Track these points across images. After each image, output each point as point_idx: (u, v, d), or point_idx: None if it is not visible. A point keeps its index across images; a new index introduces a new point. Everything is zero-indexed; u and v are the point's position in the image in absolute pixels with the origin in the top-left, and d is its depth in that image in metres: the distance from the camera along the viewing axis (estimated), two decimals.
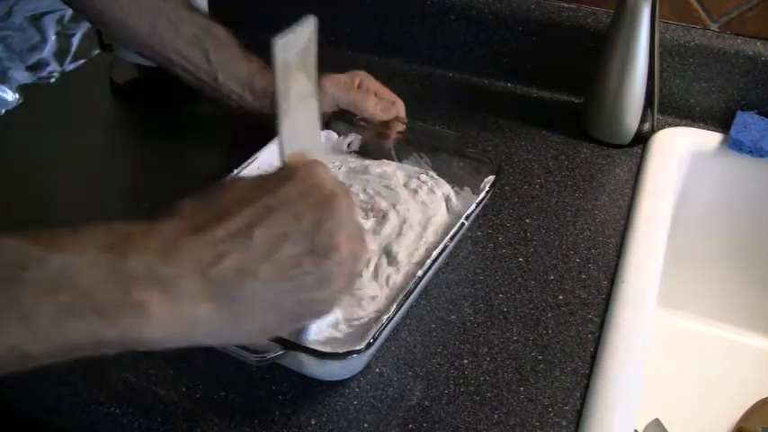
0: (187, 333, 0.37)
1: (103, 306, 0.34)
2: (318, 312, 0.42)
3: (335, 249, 0.39)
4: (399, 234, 0.61)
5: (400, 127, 0.70)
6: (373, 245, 0.60)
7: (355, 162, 0.70)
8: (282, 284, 0.38)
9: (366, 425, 0.50)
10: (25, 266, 0.33)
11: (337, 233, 0.39)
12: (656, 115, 0.78)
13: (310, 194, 0.39)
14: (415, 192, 0.65)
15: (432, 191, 0.65)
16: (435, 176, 0.67)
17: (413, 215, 0.62)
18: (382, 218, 0.62)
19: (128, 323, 0.35)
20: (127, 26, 0.67)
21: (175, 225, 0.37)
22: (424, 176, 0.67)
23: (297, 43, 0.41)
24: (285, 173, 0.40)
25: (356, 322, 0.54)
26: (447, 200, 0.65)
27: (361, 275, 0.54)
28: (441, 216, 0.63)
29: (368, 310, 0.54)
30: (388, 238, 0.60)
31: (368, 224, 0.62)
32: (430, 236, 0.61)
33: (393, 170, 0.68)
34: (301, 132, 0.43)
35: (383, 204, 0.63)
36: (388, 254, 0.59)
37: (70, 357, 0.35)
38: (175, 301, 0.35)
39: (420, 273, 0.55)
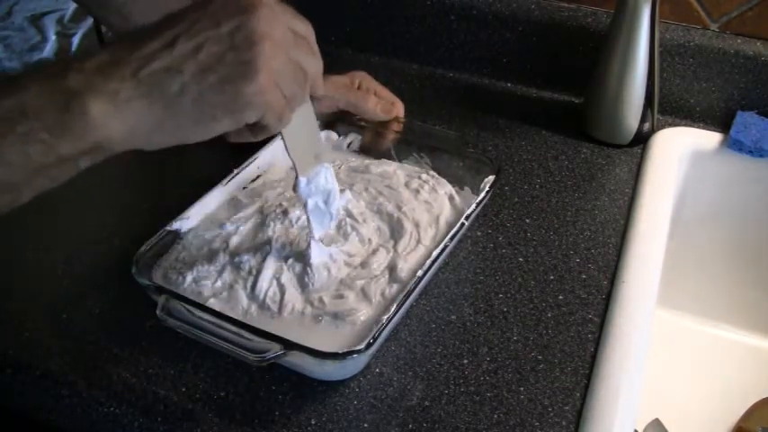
0: (131, 132, 0.41)
1: (52, 125, 0.39)
2: (250, 107, 0.44)
3: (256, 43, 0.42)
4: (411, 251, 0.59)
5: (398, 126, 0.70)
6: (384, 260, 0.59)
7: (356, 161, 0.70)
8: (206, 77, 0.42)
9: (366, 425, 0.50)
10: None
11: (257, 29, 0.42)
12: (656, 115, 0.78)
13: (231, 3, 0.43)
14: (417, 191, 0.65)
15: (434, 190, 0.65)
16: (436, 176, 0.67)
17: (420, 216, 0.62)
18: (396, 222, 0.61)
19: (76, 132, 0.40)
20: (130, 22, 0.67)
21: (111, 48, 0.42)
22: (424, 176, 0.67)
23: None
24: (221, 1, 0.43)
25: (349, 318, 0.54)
26: (450, 198, 0.65)
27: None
28: (446, 215, 0.63)
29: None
30: (398, 255, 0.59)
31: (380, 238, 0.61)
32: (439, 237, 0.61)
33: (393, 170, 0.68)
34: None
35: (388, 206, 0.63)
36: (392, 270, 0.58)
37: (53, 180, 0.41)
38: (111, 102, 0.40)
39: (420, 273, 0.55)
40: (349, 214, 0.61)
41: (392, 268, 0.57)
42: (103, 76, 0.40)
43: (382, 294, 0.56)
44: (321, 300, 0.55)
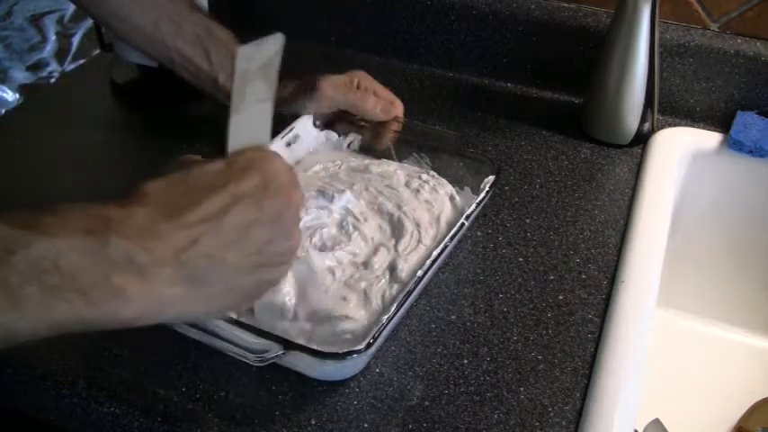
0: (160, 313, 0.40)
1: (87, 290, 0.37)
2: (267, 291, 0.46)
3: (291, 238, 0.44)
4: (412, 250, 0.59)
5: (397, 126, 0.70)
6: (385, 260, 0.58)
7: (356, 161, 0.70)
8: (246, 269, 0.42)
9: (366, 425, 0.50)
10: (12, 250, 0.35)
11: (293, 222, 0.44)
12: (656, 115, 0.78)
13: (271, 184, 0.42)
14: (418, 191, 0.64)
15: (434, 190, 0.65)
16: (436, 176, 0.67)
17: (420, 215, 0.62)
18: (397, 222, 0.61)
19: (109, 306, 0.38)
20: (129, 24, 0.67)
21: (149, 210, 0.40)
22: (425, 176, 0.67)
23: (260, 56, 0.43)
24: (246, 163, 0.43)
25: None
26: (451, 198, 0.65)
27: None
28: (446, 214, 0.63)
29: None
30: (398, 255, 0.59)
31: (382, 236, 0.61)
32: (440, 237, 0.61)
33: (393, 170, 0.68)
34: (251, 131, 0.45)
35: (389, 206, 0.63)
36: (392, 270, 0.58)
37: (52, 335, 0.38)
38: (151, 285, 0.38)
39: (420, 273, 0.55)
40: (350, 213, 0.61)
41: (393, 268, 0.57)
42: (146, 251, 0.38)
43: (383, 297, 0.55)
44: (320, 300, 0.55)
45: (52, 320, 0.37)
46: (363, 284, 0.56)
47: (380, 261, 0.58)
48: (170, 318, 0.43)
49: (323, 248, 0.58)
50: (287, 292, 0.55)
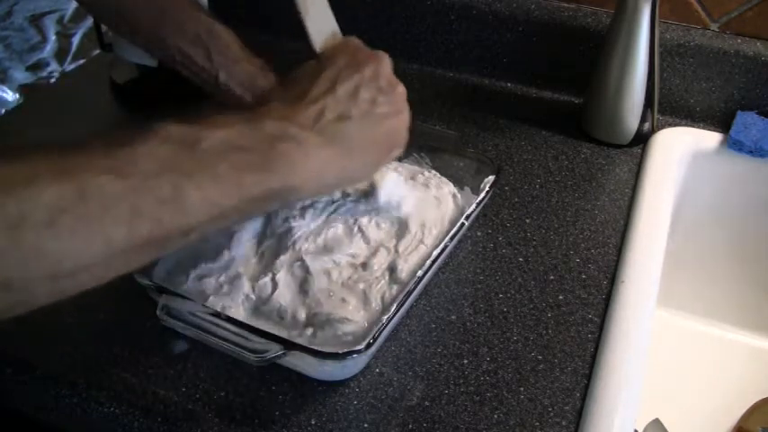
0: (321, 176, 0.47)
1: (261, 160, 0.43)
2: (400, 140, 0.54)
3: (395, 86, 0.52)
4: (412, 251, 0.59)
5: None
6: (384, 261, 0.58)
7: None
8: (369, 121, 0.50)
9: (366, 425, 0.50)
10: (199, 140, 0.41)
11: (391, 75, 0.53)
12: (656, 115, 0.78)
13: (360, 53, 0.52)
14: (426, 186, 0.64)
15: (439, 186, 0.65)
16: (437, 174, 0.67)
17: (427, 214, 0.61)
18: (402, 221, 0.61)
19: (282, 170, 0.44)
20: (130, 22, 0.67)
21: (279, 102, 0.48)
22: (426, 173, 0.67)
23: None
24: (331, 52, 0.53)
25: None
26: (453, 196, 0.65)
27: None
28: (449, 213, 0.63)
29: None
30: (398, 255, 0.58)
31: (384, 236, 0.60)
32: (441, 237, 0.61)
33: (395, 168, 0.68)
34: (322, 23, 0.53)
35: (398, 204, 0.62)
36: (392, 271, 0.57)
37: (249, 212, 0.45)
38: (306, 147, 0.46)
39: (420, 273, 0.55)
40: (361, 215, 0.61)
41: (392, 269, 0.57)
42: (293, 124, 0.46)
43: (382, 298, 0.55)
44: (319, 303, 0.54)
45: (246, 192, 0.42)
46: (362, 286, 0.56)
47: (380, 262, 0.58)
48: (335, 178, 0.50)
49: (323, 251, 0.58)
50: (283, 295, 0.55)
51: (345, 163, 0.49)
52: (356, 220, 0.60)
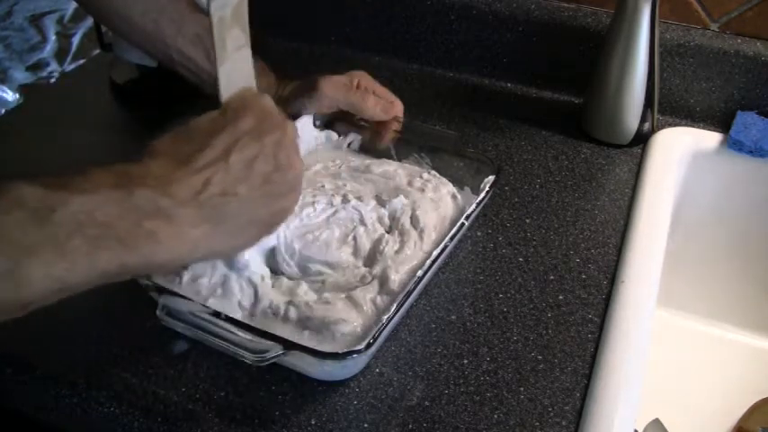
0: (192, 252, 0.44)
1: (122, 236, 0.40)
2: (284, 219, 0.50)
3: (293, 164, 0.48)
4: (403, 257, 0.58)
5: (397, 126, 0.70)
6: (379, 267, 0.57)
7: (356, 161, 0.70)
8: (257, 200, 0.46)
9: (366, 425, 0.50)
10: (54, 209, 0.38)
11: (292, 151, 0.48)
12: (656, 115, 0.78)
13: (265, 121, 0.47)
14: (422, 190, 0.64)
15: (437, 188, 0.65)
16: (437, 175, 0.67)
17: (428, 219, 0.61)
18: (402, 226, 0.60)
19: (144, 249, 0.41)
20: (130, 23, 0.67)
21: (162, 162, 0.44)
22: (426, 175, 0.67)
23: (230, 1, 0.47)
24: (238, 105, 0.48)
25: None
26: (453, 197, 0.65)
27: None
28: (449, 214, 0.63)
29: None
30: (392, 261, 0.57)
31: (391, 240, 0.60)
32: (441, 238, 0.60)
33: (395, 169, 0.68)
34: (238, 77, 0.49)
35: (399, 209, 0.62)
36: (383, 283, 0.55)
37: (100, 283, 0.41)
38: (177, 226, 0.42)
39: (420, 273, 0.55)
40: (361, 220, 0.61)
41: (384, 279, 0.56)
42: (168, 197, 0.42)
43: (374, 302, 0.54)
44: (310, 308, 0.54)
45: (99, 269, 0.40)
46: (352, 290, 0.55)
47: (374, 266, 0.57)
48: (202, 256, 0.46)
49: (316, 253, 0.58)
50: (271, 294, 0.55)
51: (218, 242, 0.45)
52: (354, 227, 0.60)
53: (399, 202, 0.62)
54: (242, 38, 0.49)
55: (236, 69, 0.49)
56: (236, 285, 0.55)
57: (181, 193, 0.43)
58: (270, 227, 0.49)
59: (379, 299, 0.54)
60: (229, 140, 0.45)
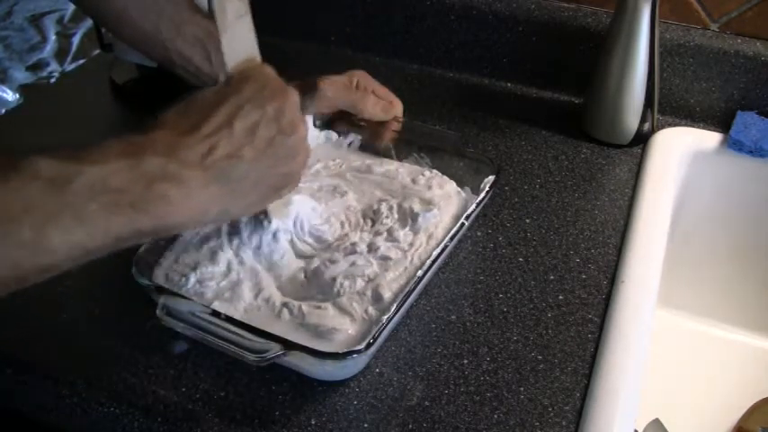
0: (204, 213, 0.46)
1: (135, 201, 0.42)
2: (292, 183, 0.52)
3: (297, 128, 0.50)
4: (390, 270, 0.57)
5: (397, 126, 0.70)
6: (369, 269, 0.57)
7: (357, 161, 0.70)
8: (262, 162, 0.48)
9: (366, 425, 0.50)
10: (70, 179, 0.40)
11: (295, 115, 0.50)
12: (656, 115, 0.78)
13: (267, 88, 0.49)
14: (429, 188, 0.64)
15: (441, 186, 0.65)
16: (439, 174, 0.67)
17: (444, 215, 0.61)
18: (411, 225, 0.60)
19: (157, 212, 0.43)
20: (129, 25, 0.67)
21: (170, 131, 0.46)
22: (427, 172, 0.67)
23: None
24: (241, 77, 0.50)
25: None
26: (458, 193, 0.65)
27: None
28: (453, 210, 0.63)
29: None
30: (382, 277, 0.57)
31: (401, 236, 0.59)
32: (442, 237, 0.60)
33: (396, 168, 0.68)
34: (240, 47, 0.51)
35: (414, 209, 0.62)
36: (377, 299, 0.55)
37: (118, 247, 0.43)
38: (187, 188, 0.44)
39: (420, 273, 0.55)
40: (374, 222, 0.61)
41: (375, 293, 0.56)
42: (176, 161, 0.44)
43: (366, 311, 0.54)
44: (303, 314, 0.54)
45: (114, 233, 0.41)
46: (345, 298, 0.55)
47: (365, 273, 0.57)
48: (215, 216, 0.48)
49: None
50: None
51: (228, 202, 0.47)
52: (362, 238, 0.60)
53: (433, 216, 0.61)
54: (242, 7, 0.50)
55: (238, 38, 0.50)
56: (245, 289, 0.55)
57: (188, 157, 0.45)
58: (277, 189, 0.51)
59: (370, 309, 0.54)
60: (232, 109, 0.47)
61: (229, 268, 0.57)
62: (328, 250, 0.59)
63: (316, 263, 0.58)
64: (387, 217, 0.61)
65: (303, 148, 0.51)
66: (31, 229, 0.38)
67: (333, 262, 0.57)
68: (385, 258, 0.57)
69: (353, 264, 0.57)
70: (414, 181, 0.66)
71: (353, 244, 0.59)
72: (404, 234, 0.59)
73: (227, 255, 0.58)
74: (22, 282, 0.40)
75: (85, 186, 0.40)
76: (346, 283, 0.55)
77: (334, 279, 0.56)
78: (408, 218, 0.61)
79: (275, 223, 0.58)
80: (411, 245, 0.59)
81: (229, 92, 0.48)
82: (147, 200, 0.42)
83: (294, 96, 0.51)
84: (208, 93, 0.49)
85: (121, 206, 0.41)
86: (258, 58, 0.52)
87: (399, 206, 0.62)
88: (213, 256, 0.58)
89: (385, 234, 0.60)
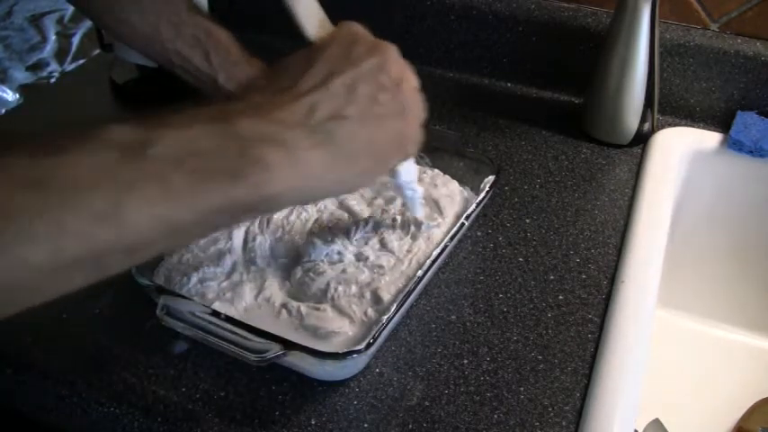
0: (305, 182, 0.40)
1: (228, 167, 0.36)
2: (406, 146, 0.46)
3: (403, 81, 0.45)
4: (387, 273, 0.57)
5: None
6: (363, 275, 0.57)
7: None
8: (369, 121, 0.42)
9: (366, 425, 0.50)
10: (147, 144, 0.35)
11: (399, 68, 0.45)
12: (656, 115, 0.78)
13: (359, 44, 0.45)
14: (435, 185, 0.64)
15: (445, 184, 0.65)
16: (441, 173, 0.67)
17: (450, 212, 0.61)
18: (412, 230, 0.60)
19: (255, 178, 0.37)
20: (128, 26, 0.67)
21: (261, 94, 0.41)
22: (429, 171, 0.67)
23: None
24: (328, 39, 0.46)
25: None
26: (461, 192, 0.65)
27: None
28: (456, 209, 0.63)
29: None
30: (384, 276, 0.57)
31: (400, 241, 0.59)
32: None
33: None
34: (311, 10, 0.49)
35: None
36: (376, 301, 0.55)
37: (213, 226, 0.38)
38: (288, 151, 0.38)
39: (420, 273, 0.55)
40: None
41: (374, 295, 0.56)
42: (274, 122, 0.39)
43: (365, 314, 0.54)
44: (302, 316, 0.54)
45: (204, 205, 0.36)
46: (344, 300, 0.55)
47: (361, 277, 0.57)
48: (323, 186, 0.42)
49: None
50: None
51: (340, 170, 0.42)
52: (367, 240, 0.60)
53: (436, 226, 0.61)
54: None
55: (308, 6, 0.49)
56: (246, 289, 0.55)
57: (288, 118, 0.39)
58: (392, 152, 0.46)
59: (370, 310, 0.54)
60: (326, 67, 0.43)
61: (234, 269, 0.57)
62: (310, 262, 0.58)
63: (299, 273, 0.57)
64: (389, 227, 0.61)
65: (414, 102, 0.46)
66: (103, 199, 0.33)
67: (318, 273, 0.56)
68: (378, 266, 0.57)
69: (344, 271, 0.56)
70: (419, 180, 0.66)
71: (340, 253, 0.58)
72: (399, 245, 0.59)
73: (234, 257, 0.58)
74: (104, 263, 0.35)
75: (167, 152, 0.35)
76: (340, 288, 0.55)
77: (327, 284, 0.55)
78: (411, 225, 0.61)
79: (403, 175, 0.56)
80: (409, 251, 0.59)
81: (318, 54, 0.44)
82: (242, 165, 0.37)
83: (390, 50, 0.46)
84: (293, 58, 0.44)
85: (210, 173, 0.36)
86: (328, 21, 0.50)
87: (403, 214, 0.62)
88: (219, 257, 0.58)
89: (379, 245, 0.59)
